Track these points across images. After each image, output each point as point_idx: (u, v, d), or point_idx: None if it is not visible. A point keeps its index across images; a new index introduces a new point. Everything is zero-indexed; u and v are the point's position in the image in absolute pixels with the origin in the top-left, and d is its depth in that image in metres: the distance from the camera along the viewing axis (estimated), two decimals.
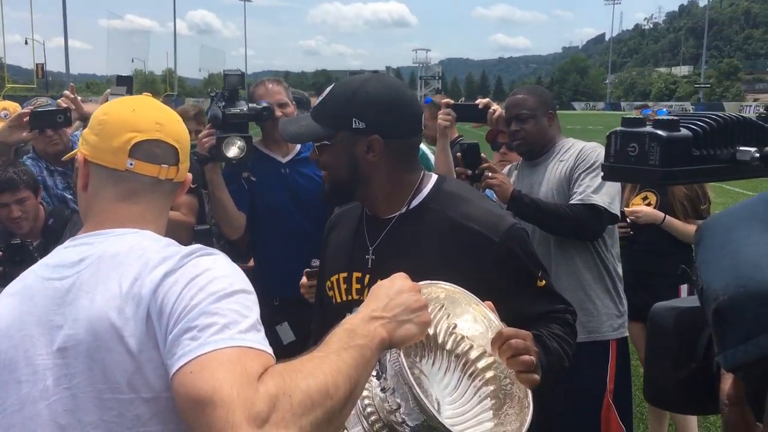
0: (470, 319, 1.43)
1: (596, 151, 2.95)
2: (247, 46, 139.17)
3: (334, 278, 1.86)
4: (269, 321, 3.25)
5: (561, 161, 3.02)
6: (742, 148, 0.69)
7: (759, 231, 0.51)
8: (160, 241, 1.27)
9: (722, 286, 0.51)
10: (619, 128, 0.68)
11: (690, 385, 0.69)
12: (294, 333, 3.29)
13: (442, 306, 1.41)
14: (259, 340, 1.06)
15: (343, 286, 1.83)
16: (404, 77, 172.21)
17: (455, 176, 2.89)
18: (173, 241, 1.28)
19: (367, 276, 1.77)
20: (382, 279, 1.58)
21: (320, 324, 1.90)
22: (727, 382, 0.59)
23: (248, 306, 1.11)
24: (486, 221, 1.70)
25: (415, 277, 1.47)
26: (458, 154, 2.92)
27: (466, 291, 1.44)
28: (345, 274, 1.82)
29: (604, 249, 2.99)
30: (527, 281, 1.73)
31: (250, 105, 3.11)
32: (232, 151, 2.99)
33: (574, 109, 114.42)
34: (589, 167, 2.88)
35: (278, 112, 3.20)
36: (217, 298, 1.08)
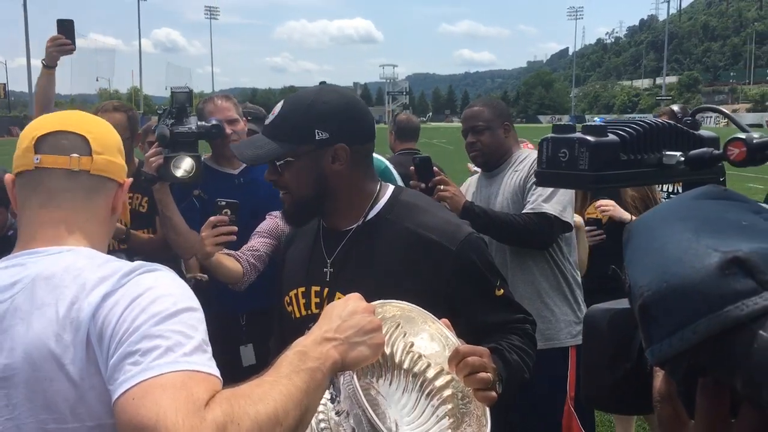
0: (427, 338, 1.42)
1: None
2: (214, 63, 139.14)
3: (292, 293, 1.83)
4: (234, 341, 3.22)
5: (516, 171, 3.06)
6: (668, 152, 0.72)
7: (681, 228, 0.53)
8: (96, 259, 1.19)
9: (647, 282, 0.53)
10: (550, 135, 0.71)
11: (625, 386, 0.71)
12: (257, 355, 3.26)
13: (398, 325, 1.40)
14: (204, 362, 1.02)
15: (302, 301, 1.80)
16: (372, 93, 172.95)
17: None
18: (112, 257, 1.21)
19: (326, 289, 1.75)
20: (341, 292, 1.67)
21: (279, 341, 1.87)
22: (658, 378, 0.61)
23: (193, 325, 1.06)
24: (443, 231, 1.68)
25: (375, 289, 1.50)
26: (411, 168, 2.91)
27: (422, 309, 1.42)
28: (303, 289, 1.80)
29: (561, 257, 3.01)
30: (485, 290, 1.72)
31: (199, 123, 3.04)
32: (181, 170, 2.90)
33: (540, 122, 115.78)
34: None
35: (228, 129, 3.15)
36: (159, 320, 1.04)
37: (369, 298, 1.52)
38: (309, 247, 1.83)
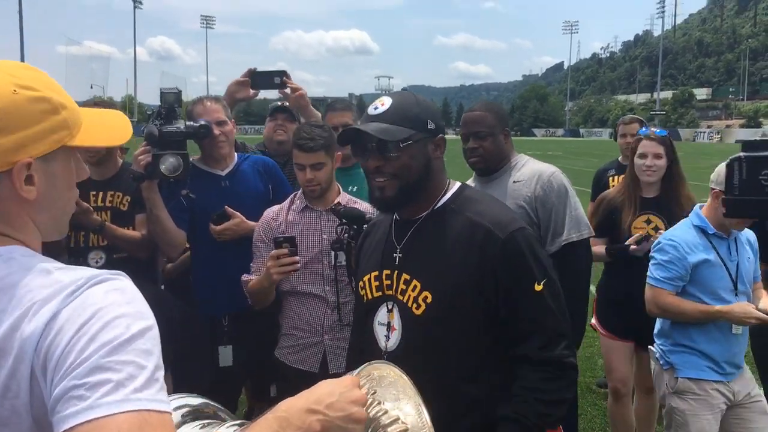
0: (404, 405, 1.42)
1: (556, 175, 3.11)
2: (209, 72, 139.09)
3: (366, 278, 2.04)
4: (214, 341, 3.24)
5: (517, 181, 3.08)
6: None
7: None
8: (33, 270, 1.03)
9: None
10: (742, 154, 0.53)
11: None
12: (234, 358, 3.29)
13: (375, 392, 1.37)
14: (155, 396, 0.94)
15: (374, 284, 2.00)
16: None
17: None
18: (51, 263, 1.06)
19: (395, 272, 1.94)
20: (407, 274, 1.90)
21: (355, 325, 2.26)
22: None
23: (147, 350, 0.96)
24: (497, 220, 1.85)
25: (435, 271, 1.83)
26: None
27: (406, 379, 1.41)
28: (376, 273, 2.00)
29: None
30: (526, 282, 1.82)
31: (188, 123, 3.11)
32: (169, 168, 2.95)
33: (535, 135, 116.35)
34: (556, 197, 3.05)
35: (216, 130, 3.23)
36: (110, 350, 0.93)
37: (430, 280, 1.84)
38: (384, 236, 2.04)
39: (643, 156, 3.73)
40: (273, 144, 4.18)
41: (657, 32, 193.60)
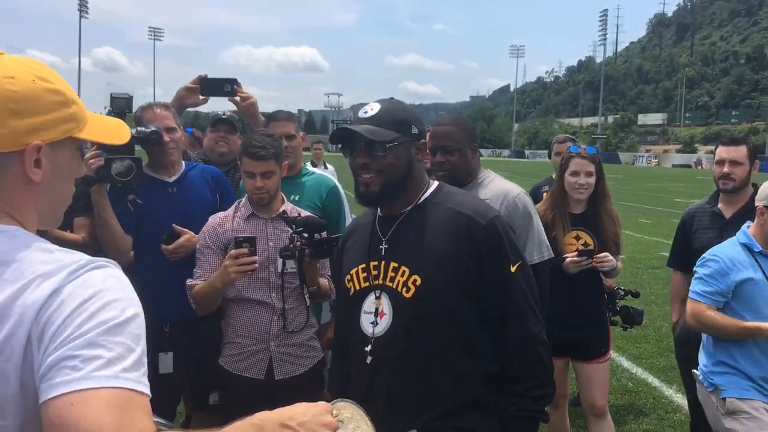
0: None
1: (521, 196, 3.19)
2: (156, 85, 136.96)
3: (353, 271, 2.16)
4: (155, 347, 3.22)
5: (484, 199, 3.09)
6: None
7: None
8: (35, 248, 1.11)
9: None
10: None
11: None
12: (175, 365, 3.26)
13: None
14: (141, 378, 1.01)
15: (362, 275, 2.13)
16: (316, 120, 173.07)
17: None
18: (52, 246, 1.14)
19: (383, 262, 2.08)
20: (394, 261, 2.04)
21: (338, 318, 2.38)
22: None
23: (137, 335, 1.05)
24: (477, 209, 2.06)
25: (421, 257, 1.99)
26: None
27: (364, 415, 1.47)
28: (363, 265, 2.13)
29: None
30: (503, 263, 2.01)
31: (139, 128, 3.11)
32: (122, 171, 2.96)
33: (482, 155, 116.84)
34: (520, 219, 3.10)
35: (166, 137, 3.24)
36: (106, 330, 1.01)
37: (418, 264, 2.00)
38: (367, 232, 2.18)
39: (576, 174, 3.74)
40: (214, 155, 4.19)
41: (599, 59, 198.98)
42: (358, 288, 2.14)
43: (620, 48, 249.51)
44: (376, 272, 2.09)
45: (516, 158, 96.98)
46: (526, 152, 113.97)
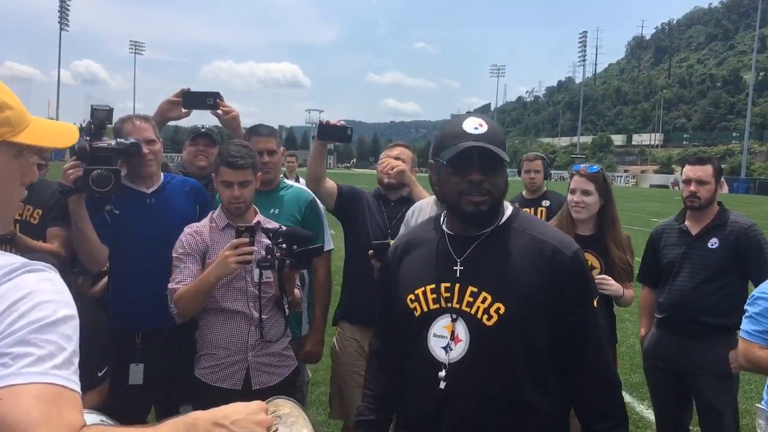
0: None
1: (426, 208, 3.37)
2: (136, 99, 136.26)
3: (419, 291, 2.05)
4: (127, 358, 3.21)
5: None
6: None
7: None
8: None
9: None
10: None
11: None
12: (146, 376, 3.25)
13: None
14: (70, 376, 1.03)
15: (431, 296, 2.02)
16: (297, 136, 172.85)
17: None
18: None
19: (457, 285, 1.99)
20: (473, 286, 1.96)
21: (386, 340, 2.26)
22: None
23: (68, 336, 1.07)
24: (561, 240, 2.01)
25: (503, 282, 1.93)
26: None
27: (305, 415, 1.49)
28: (432, 286, 2.02)
29: None
30: (586, 296, 2.00)
31: (118, 140, 3.10)
32: (101, 182, 2.96)
33: None
34: None
35: (145, 149, 3.24)
36: (37, 328, 1.03)
37: (502, 292, 1.93)
38: (434, 250, 2.08)
39: (573, 191, 3.74)
40: (193, 168, 4.19)
41: (579, 79, 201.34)
42: (426, 310, 2.03)
43: (599, 69, 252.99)
44: (448, 294, 2.00)
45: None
46: (507, 170, 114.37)
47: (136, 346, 3.26)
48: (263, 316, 3.11)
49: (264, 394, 3.03)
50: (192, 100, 3.61)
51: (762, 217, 30.16)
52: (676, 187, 70.13)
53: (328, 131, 3.51)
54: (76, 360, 1.07)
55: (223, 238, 3.13)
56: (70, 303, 1.11)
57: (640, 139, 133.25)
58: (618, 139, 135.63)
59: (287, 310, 3.14)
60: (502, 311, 1.92)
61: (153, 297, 3.10)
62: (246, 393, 3.07)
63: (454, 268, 2.01)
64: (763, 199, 53.91)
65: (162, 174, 3.46)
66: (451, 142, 1.94)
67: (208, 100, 3.58)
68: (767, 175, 79.91)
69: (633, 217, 27.33)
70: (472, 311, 1.96)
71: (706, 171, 3.93)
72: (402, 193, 3.82)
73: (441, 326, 2.00)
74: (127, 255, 3.28)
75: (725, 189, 68.52)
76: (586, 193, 3.69)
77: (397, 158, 3.68)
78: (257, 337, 3.11)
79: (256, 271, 3.08)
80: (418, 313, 2.04)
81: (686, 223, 4.05)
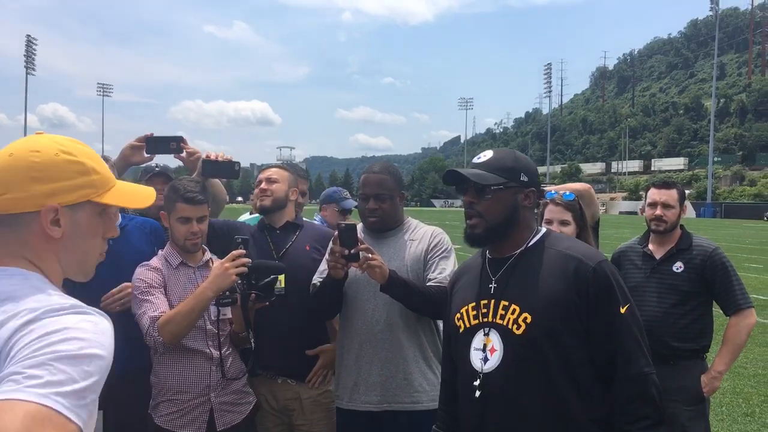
0: None
1: (444, 235, 3.25)
2: (105, 141, 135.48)
3: (463, 310, 2.25)
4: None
5: (413, 240, 3.21)
6: None
7: None
8: (34, 289, 1.24)
9: None
10: None
11: None
12: (105, 424, 3.14)
13: None
14: (72, 406, 1.06)
15: (472, 313, 2.21)
16: None
17: (331, 254, 2.94)
18: (53, 289, 1.27)
19: (492, 300, 2.16)
20: (505, 300, 2.13)
21: (449, 357, 2.39)
22: None
23: (88, 372, 1.11)
24: (585, 253, 2.14)
25: (532, 296, 2.07)
26: (335, 233, 2.92)
27: None
28: (473, 304, 2.22)
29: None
30: (612, 304, 2.06)
31: None
32: None
33: (434, 206, 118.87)
34: (443, 251, 3.15)
35: None
36: (57, 357, 1.08)
37: (529, 303, 2.08)
38: (477, 272, 2.28)
39: (549, 222, 3.47)
40: (152, 208, 4.12)
41: (546, 110, 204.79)
42: (468, 326, 2.21)
43: (565, 100, 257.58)
44: (485, 310, 2.17)
45: None
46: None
47: None
48: (223, 354, 3.05)
49: None
50: (155, 145, 3.56)
51: (729, 240, 30.74)
52: (644, 213, 71.06)
53: (212, 168, 3.38)
54: (91, 397, 1.10)
55: (179, 276, 3.08)
56: (104, 345, 1.16)
57: (621, 166, 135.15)
58: (590, 167, 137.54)
59: (252, 344, 3.06)
60: (528, 320, 2.06)
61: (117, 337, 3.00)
62: None
63: (490, 285, 2.19)
64: (729, 222, 54.89)
65: (120, 215, 3.39)
66: None
67: (172, 145, 3.53)
68: (732, 199, 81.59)
69: (603, 245, 27.56)
70: (504, 322, 2.11)
71: (671, 195, 3.98)
72: (287, 218, 3.54)
73: (480, 340, 2.17)
74: (82, 296, 3.16)
75: (688, 213, 70.06)
76: (564, 223, 3.46)
77: (269, 179, 3.48)
78: (219, 376, 3.04)
79: (213, 309, 3.02)
80: (461, 330, 2.23)
81: (650, 246, 4.07)
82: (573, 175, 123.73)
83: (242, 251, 2.89)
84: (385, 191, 3.16)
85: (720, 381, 3.86)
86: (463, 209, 2.22)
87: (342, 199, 5.41)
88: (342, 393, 3.17)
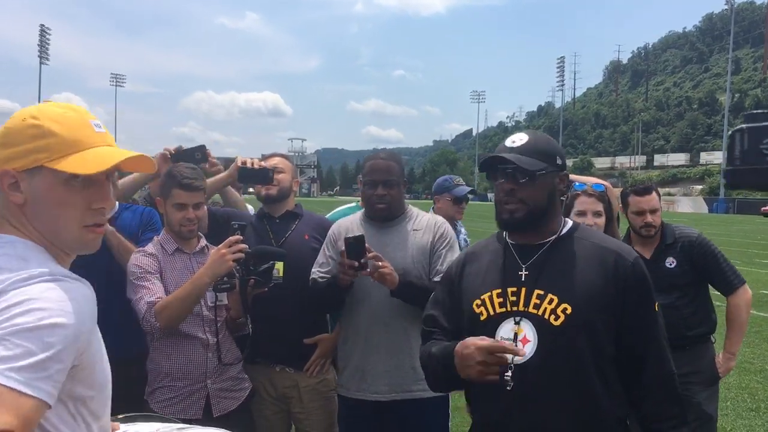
0: None
1: (446, 224, 3.25)
2: (118, 131, 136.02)
3: (485, 296, 2.12)
4: None
5: (416, 230, 3.19)
6: None
7: None
8: (16, 258, 1.23)
9: None
10: (744, 125, 0.53)
11: None
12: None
13: None
14: (29, 380, 1.05)
15: (497, 300, 2.10)
16: None
17: (340, 266, 2.93)
18: (38, 256, 1.27)
19: (523, 289, 2.06)
20: (539, 290, 2.03)
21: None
22: None
23: (48, 343, 1.09)
24: (621, 247, 2.12)
25: (568, 287, 2.01)
26: (343, 248, 2.92)
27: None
28: (498, 291, 2.10)
29: None
30: (648, 301, 2.06)
31: None
32: None
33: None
34: (448, 242, 3.15)
35: None
36: (15, 331, 1.07)
37: (568, 293, 2.01)
38: (500, 258, 2.17)
39: (582, 214, 3.42)
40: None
41: (558, 104, 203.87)
42: (492, 314, 2.09)
43: (578, 94, 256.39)
44: (514, 298, 2.07)
45: (479, 201, 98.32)
46: (489, 195, 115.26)
47: None
48: (220, 340, 3.06)
49: (224, 421, 2.99)
50: (182, 157, 3.58)
51: (741, 236, 30.51)
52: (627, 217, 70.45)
53: (248, 174, 3.48)
54: (55, 367, 1.09)
55: (175, 262, 3.08)
56: (68, 313, 1.14)
57: (630, 161, 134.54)
58: (601, 161, 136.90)
59: (250, 329, 3.09)
60: (569, 311, 1.98)
61: (107, 325, 3.00)
62: (206, 421, 2.99)
63: (519, 273, 2.09)
64: (742, 218, 54.52)
65: (117, 203, 3.35)
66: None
67: (197, 155, 3.59)
68: (744, 195, 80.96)
69: None
70: (540, 312, 2.02)
71: (654, 199, 4.01)
72: (287, 208, 3.55)
73: (508, 329, 2.05)
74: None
75: (701, 208, 69.11)
76: (597, 214, 3.43)
77: (275, 169, 3.49)
78: (215, 362, 3.05)
79: (209, 295, 3.02)
80: (484, 317, 2.10)
81: (636, 248, 4.04)
82: (585, 169, 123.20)
83: (239, 237, 2.89)
84: (393, 177, 3.17)
85: (734, 361, 4.02)
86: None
87: (454, 187, 4.94)
88: (349, 383, 3.18)
